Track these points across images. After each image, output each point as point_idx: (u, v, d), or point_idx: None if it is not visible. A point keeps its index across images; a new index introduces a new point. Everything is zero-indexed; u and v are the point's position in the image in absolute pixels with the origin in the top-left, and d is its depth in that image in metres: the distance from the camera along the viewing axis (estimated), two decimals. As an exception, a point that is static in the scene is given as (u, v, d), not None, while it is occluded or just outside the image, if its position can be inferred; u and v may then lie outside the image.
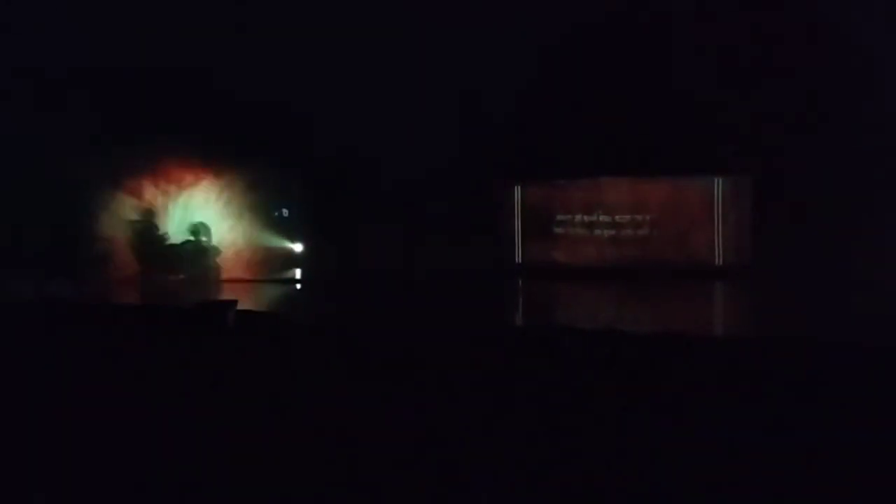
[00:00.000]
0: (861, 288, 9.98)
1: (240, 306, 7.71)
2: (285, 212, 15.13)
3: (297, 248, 15.14)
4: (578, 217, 14.06)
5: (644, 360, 5.73)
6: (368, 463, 3.66)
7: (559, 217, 14.18)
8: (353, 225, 14.17)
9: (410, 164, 13.05)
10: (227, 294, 12.14)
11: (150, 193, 14.92)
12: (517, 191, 14.45)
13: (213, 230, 15.01)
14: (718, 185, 13.42)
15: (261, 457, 3.71)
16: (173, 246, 14.89)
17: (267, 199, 14.92)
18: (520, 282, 13.90)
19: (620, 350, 6.09)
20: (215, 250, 14.94)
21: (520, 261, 14.40)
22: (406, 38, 12.64)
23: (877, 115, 11.44)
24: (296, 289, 14.63)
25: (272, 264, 14.96)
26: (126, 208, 14.79)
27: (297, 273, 15.08)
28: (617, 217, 13.83)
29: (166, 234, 14.94)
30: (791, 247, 11.53)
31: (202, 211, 14.97)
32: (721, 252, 13.41)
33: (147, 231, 14.87)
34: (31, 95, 13.45)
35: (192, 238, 14.94)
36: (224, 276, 14.77)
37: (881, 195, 11.34)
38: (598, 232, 13.92)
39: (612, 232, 13.85)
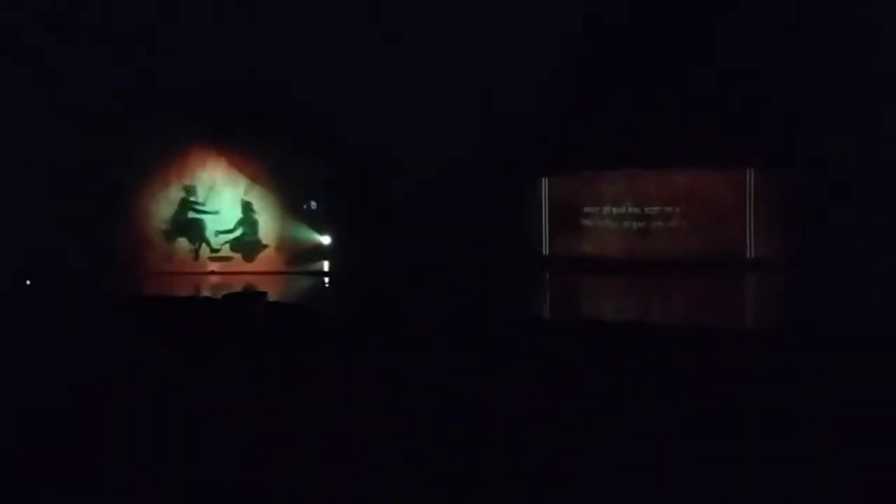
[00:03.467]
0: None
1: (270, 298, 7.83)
2: (313, 205, 15.25)
3: (325, 240, 15.28)
4: (606, 209, 13.89)
5: (672, 354, 5.68)
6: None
7: (587, 209, 14.03)
8: (379, 218, 14.22)
9: (437, 157, 13.04)
10: (256, 286, 12.31)
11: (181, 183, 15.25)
12: (544, 183, 14.35)
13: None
14: (750, 176, 13.18)
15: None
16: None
17: (295, 192, 15.10)
18: (547, 275, 13.83)
19: (648, 343, 6.06)
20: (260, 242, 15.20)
21: (547, 253, 14.32)
22: (433, 31, 12.63)
23: None
24: (324, 281, 14.80)
25: (300, 257, 15.13)
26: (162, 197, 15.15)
27: (325, 266, 15.22)
28: (646, 209, 13.65)
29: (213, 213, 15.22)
30: (825, 240, 11.31)
31: (232, 202, 15.28)
32: (752, 244, 13.19)
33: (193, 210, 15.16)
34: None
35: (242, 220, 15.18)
36: (253, 268, 15.01)
37: None
38: (626, 224, 13.76)
39: (641, 224, 13.67)
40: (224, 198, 15.17)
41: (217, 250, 15.15)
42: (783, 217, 12.72)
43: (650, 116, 12.48)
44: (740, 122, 12.14)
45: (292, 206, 15.12)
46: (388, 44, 12.86)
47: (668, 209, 13.53)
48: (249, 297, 7.65)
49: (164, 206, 15.12)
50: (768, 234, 13.02)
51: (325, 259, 15.23)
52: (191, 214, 15.17)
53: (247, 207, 15.16)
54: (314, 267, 15.10)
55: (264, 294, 7.88)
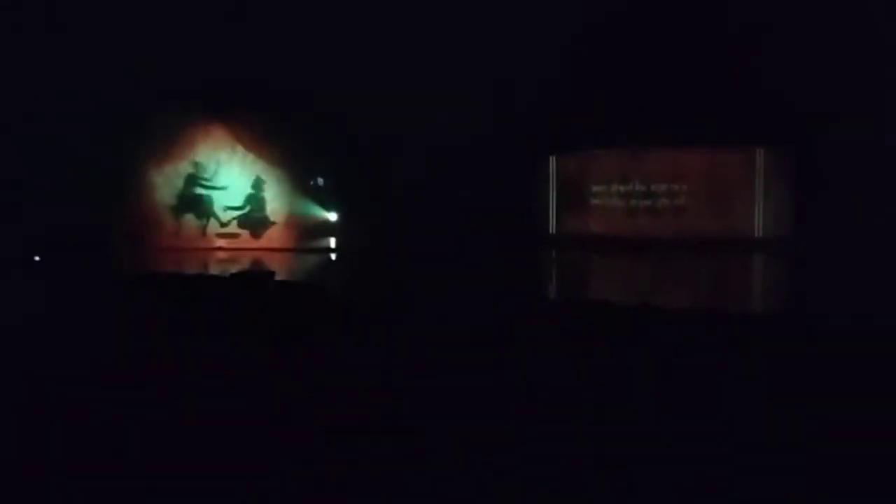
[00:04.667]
0: None
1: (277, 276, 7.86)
2: (320, 181, 15.24)
3: (332, 217, 15.28)
4: (614, 187, 13.83)
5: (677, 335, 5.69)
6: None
7: (594, 188, 13.97)
8: (386, 195, 14.20)
9: (445, 136, 13.00)
10: (264, 264, 12.35)
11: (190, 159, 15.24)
12: (552, 161, 14.28)
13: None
14: (759, 155, 13.08)
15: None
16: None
17: (302, 168, 15.09)
18: (553, 253, 13.83)
19: (652, 324, 6.06)
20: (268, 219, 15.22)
21: (554, 232, 14.29)
22: (442, 11, 12.52)
23: None
24: (330, 259, 14.85)
25: (307, 234, 15.15)
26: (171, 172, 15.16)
27: (332, 243, 15.25)
28: (653, 187, 13.59)
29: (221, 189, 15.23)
30: (834, 220, 11.24)
31: (240, 178, 15.28)
32: (761, 224, 13.13)
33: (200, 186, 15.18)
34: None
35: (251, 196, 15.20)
36: (260, 245, 15.05)
37: None
38: (634, 202, 13.69)
39: (649, 202, 13.61)
40: (232, 173, 15.19)
41: (225, 224, 15.18)
42: (792, 196, 12.66)
43: (658, 95, 12.38)
44: (750, 101, 12.01)
45: (300, 182, 15.15)
46: (397, 23, 12.76)
47: (676, 188, 13.46)
48: (258, 277, 7.68)
49: (171, 182, 15.16)
50: (776, 214, 12.96)
51: (332, 236, 15.27)
52: (198, 190, 15.18)
53: (256, 184, 15.17)
54: (321, 244, 15.14)
55: (272, 274, 7.91)
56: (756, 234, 13.09)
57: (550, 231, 14.34)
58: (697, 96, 12.27)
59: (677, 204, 13.47)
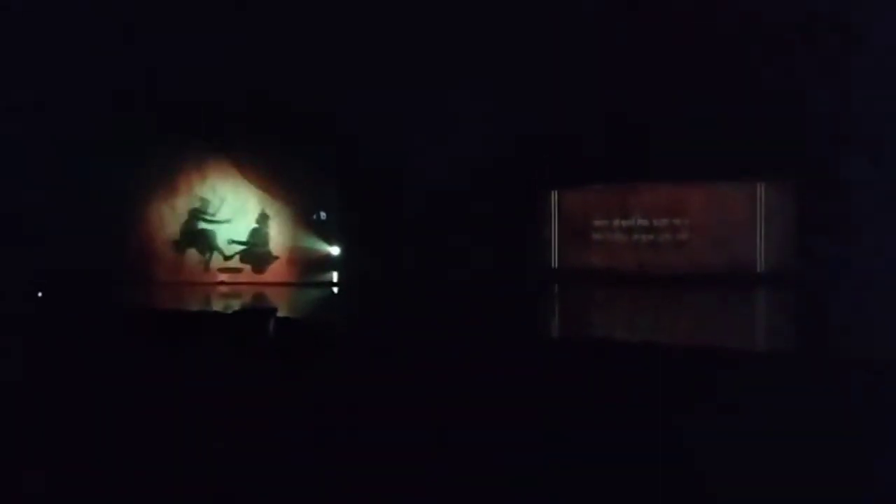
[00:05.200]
0: None
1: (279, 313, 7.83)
2: (323, 215, 15.30)
3: (335, 251, 15.31)
4: (616, 222, 13.88)
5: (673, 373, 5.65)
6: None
7: (596, 222, 14.02)
8: (389, 229, 14.24)
9: (449, 170, 13.09)
10: (265, 299, 12.35)
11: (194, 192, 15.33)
12: (554, 195, 14.36)
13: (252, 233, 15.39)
14: (761, 190, 13.12)
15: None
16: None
17: (306, 202, 15.16)
18: (555, 288, 13.82)
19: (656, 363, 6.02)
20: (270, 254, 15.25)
21: (556, 266, 14.30)
22: (447, 43, 12.68)
23: None
24: (333, 293, 14.86)
25: (310, 268, 15.17)
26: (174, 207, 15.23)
27: (335, 277, 15.25)
28: (655, 222, 13.63)
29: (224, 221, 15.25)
30: (835, 254, 11.24)
31: (244, 212, 15.36)
32: (763, 259, 13.11)
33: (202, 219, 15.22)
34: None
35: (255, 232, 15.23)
36: (263, 279, 15.05)
37: None
38: (635, 237, 13.73)
39: (650, 237, 13.64)
40: (235, 207, 15.27)
41: (229, 258, 15.22)
42: (794, 231, 12.66)
43: (661, 129, 12.48)
44: (752, 136, 12.08)
45: (303, 216, 15.21)
46: (401, 58, 12.92)
47: (678, 222, 13.49)
48: (258, 316, 7.66)
49: (174, 216, 15.24)
50: (779, 248, 12.95)
51: (335, 270, 15.27)
52: (201, 224, 15.25)
53: (260, 218, 15.22)
54: (324, 278, 15.15)
55: (274, 311, 7.88)
56: (758, 269, 13.07)
57: (552, 265, 14.34)
58: (700, 131, 12.36)
59: (679, 238, 13.49)
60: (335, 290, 14.99)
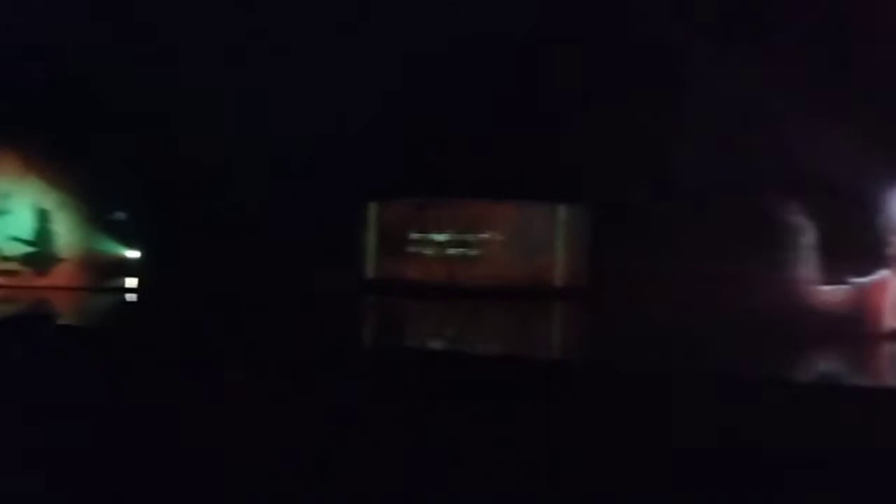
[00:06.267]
0: (689, 313, 10.36)
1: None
2: (121, 215, 14.21)
3: (134, 255, 14.24)
4: (430, 236, 14.29)
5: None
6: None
7: (412, 236, 14.34)
8: (197, 235, 13.53)
9: (264, 176, 12.75)
10: (47, 304, 11.22)
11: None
12: (372, 208, 14.50)
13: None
14: (560, 210, 14.14)
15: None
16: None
17: (101, 200, 13.99)
18: (368, 300, 13.95)
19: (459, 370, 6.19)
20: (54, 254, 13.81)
21: (372, 278, 14.42)
22: (270, 42, 12.38)
23: (711, 146, 11.95)
24: (126, 300, 13.81)
25: (103, 272, 13.99)
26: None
27: (132, 283, 14.18)
28: (467, 237, 14.21)
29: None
30: (631, 272, 12.19)
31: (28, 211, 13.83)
32: (560, 274, 14.10)
33: None
34: None
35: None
36: (48, 283, 13.64)
37: (722, 223, 11.75)
38: (448, 251, 14.22)
39: (462, 251, 14.19)
40: (18, 202, 13.69)
41: (8, 259, 13.59)
42: (589, 249, 13.73)
43: (475, 150, 13.08)
44: (555, 160, 12.97)
45: (96, 215, 13.99)
46: (219, 49, 12.42)
47: (488, 238, 14.14)
48: (32, 322, 6.88)
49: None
50: (575, 265, 13.99)
51: (132, 275, 14.19)
52: None
53: (43, 215, 13.77)
54: (118, 283, 14.02)
55: (51, 317, 7.14)
56: (556, 284, 14.04)
57: (368, 277, 14.44)
58: (511, 153, 13.07)
59: (489, 254, 14.13)
60: (129, 296, 13.96)
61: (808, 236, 7.93)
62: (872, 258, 8.20)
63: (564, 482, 3.82)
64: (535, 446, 4.30)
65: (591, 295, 13.27)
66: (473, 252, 14.19)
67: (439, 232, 14.25)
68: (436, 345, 8.69)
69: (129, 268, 14.21)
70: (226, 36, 12.56)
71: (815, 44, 9.67)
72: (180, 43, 12.42)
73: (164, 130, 12.80)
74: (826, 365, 7.45)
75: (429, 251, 14.29)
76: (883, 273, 7.93)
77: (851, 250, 8.38)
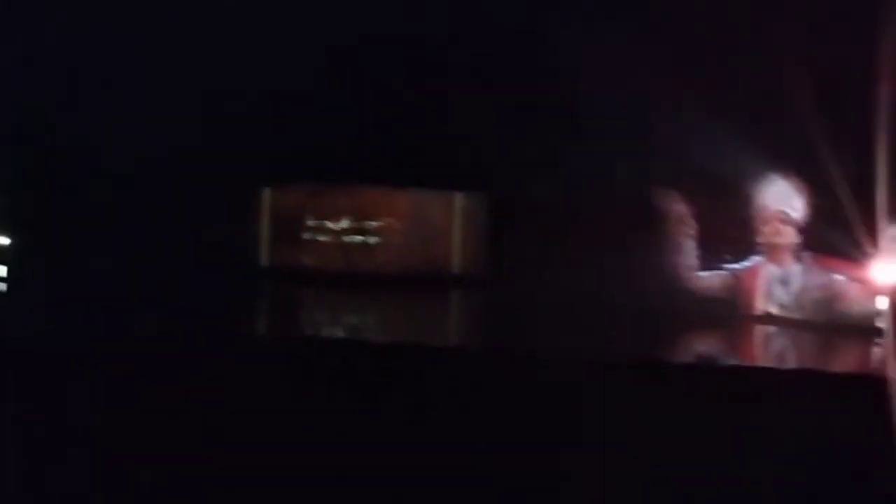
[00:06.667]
0: (585, 301, 10.20)
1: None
2: (-9, 199, 13.27)
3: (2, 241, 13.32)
4: (327, 223, 14.16)
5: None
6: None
7: (308, 222, 14.15)
8: (75, 220, 12.82)
9: (152, 161, 12.24)
10: None
11: None
12: (267, 193, 14.20)
13: None
14: (457, 198, 14.31)
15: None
16: None
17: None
18: (263, 288, 13.67)
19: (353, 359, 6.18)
20: None
21: (266, 265, 14.14)
22: (155, 25, 11.89)
23: (600, 137, 12.20)
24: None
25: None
26: None
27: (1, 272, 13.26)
28: (365, 224, 14.16)
29: None
30: (525, 259, 12.53)
31: None
32: (458, 262, 14.30)
33: None
34: None
35: None
36: None
37: (610, 212, 12.05)
38: (345, 238, 14.13)
39: (359, 239, 14.14)
40: None
41: None
42: (486, 237, 14.00)
43: (373, 137, 13.00)
44: (453, 151, 13.11)
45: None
46: (103, 28, 11.82)
47: (385, 226, 14.13)
48: None
49: None
50: (472, 253, 14.23)
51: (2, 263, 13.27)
52: None
53: None
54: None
55: None
56: (454, 272, 14.24)
57: (262, 265, 14.15)
58: (410, 141, 13.09)
59: (387, 242, 14.13)
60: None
61: (687, 225, 8.38)
62: (746, 245, 8.78)
63: (463, 469, 3.89)
64: (432, 432, 4.37)
65: (488, 282, 13.55)
66: (371, 240, 14.16)
67: (336, 219, 14.15)
68: (332, 332, 8.66)
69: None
70: (112, 15, 11.98)
71: (690, 37, 10.18)
72: (64, 24, 11.76)
73: (42, 114, 12.08)
74: (702, 346, 8.00)
75: (325, 238, 14.18)
76: (755, 259, 8.44)
77: (727, 238, 9.01)
